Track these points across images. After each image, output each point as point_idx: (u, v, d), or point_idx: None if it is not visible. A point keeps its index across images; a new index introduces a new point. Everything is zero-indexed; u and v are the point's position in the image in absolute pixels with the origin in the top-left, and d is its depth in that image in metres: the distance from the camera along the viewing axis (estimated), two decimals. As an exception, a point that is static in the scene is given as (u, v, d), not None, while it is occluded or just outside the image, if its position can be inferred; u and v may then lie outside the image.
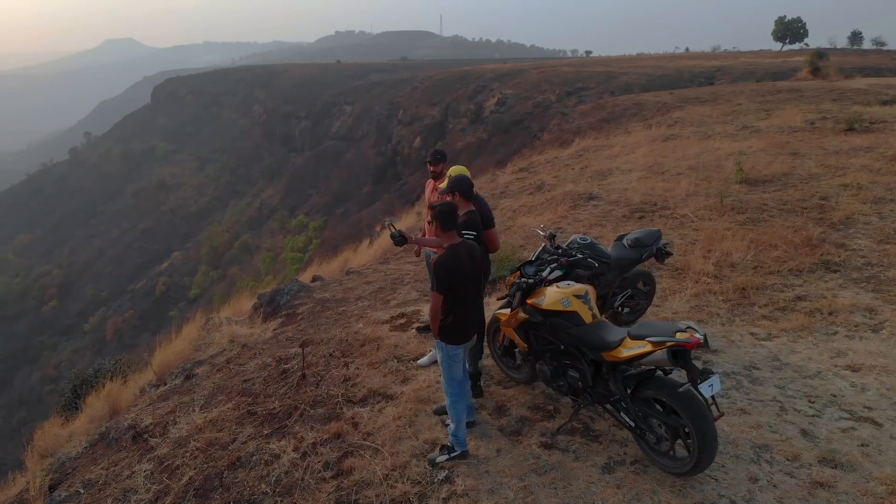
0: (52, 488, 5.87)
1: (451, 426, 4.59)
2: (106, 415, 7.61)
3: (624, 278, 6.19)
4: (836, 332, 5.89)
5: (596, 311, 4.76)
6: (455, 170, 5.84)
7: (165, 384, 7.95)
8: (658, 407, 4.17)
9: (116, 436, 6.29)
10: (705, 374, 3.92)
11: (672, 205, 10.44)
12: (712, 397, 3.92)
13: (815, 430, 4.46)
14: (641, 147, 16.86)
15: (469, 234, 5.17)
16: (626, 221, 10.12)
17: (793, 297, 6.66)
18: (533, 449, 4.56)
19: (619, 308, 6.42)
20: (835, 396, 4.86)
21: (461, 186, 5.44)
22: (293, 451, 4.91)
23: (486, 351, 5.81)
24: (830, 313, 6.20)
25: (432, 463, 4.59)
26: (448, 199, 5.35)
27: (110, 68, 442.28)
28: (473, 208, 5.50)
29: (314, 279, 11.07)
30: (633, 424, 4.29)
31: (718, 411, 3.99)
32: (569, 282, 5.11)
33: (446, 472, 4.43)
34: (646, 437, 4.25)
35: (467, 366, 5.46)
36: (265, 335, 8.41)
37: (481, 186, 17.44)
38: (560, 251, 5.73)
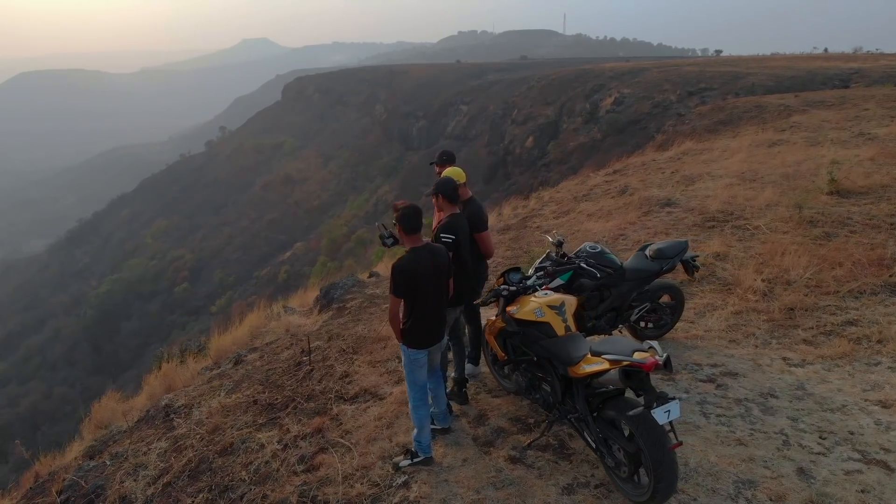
0: (91, 458, 6.31)
1: (415, 431, 4.55)
2: (161, 393, 8.09)
3: (644, 291, 5.88)
4: (878, 364, 5.32)
5: (570, 323, 4.56)
6: (449, 172, 5.77)
7: (219, 368, 8.34)
8: (620, 430, 3.94)
9: (154, 413, 6.68)
10: (662, 399, 3.67)
11: (749, 215, 9.80)
12: (671, 423, 3.66)
13: (815, 470, 4.05)
14: (741, 152, 15.94)
15: (447, 237, 5.08)
16: (695, 230, 9.61)
17: (843, 321, 6.08)
18: (499, 462, 4.44)
19: (642, 323, 6.11)
20: (852, 434, 4.39)
21: (443, 189, 5.35)
22: (277, 442, 5.06)
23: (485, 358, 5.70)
24: (879, 342, 5.61)
25: (396, 467, 4.57)
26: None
27: (246, 67, 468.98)
28: (458, 211, 5.40)
29: (370, 275, 11.28)
30: (594, 446, 4.08)
31: (676, 439, 3.71)
32: (547, 291, 4.93)
33: (406, 477, 4.41)
34: (606, 461, 4.03)
35: (454, 372, 5.39)
36: (314, 327, 8.66)
37: (571, 189, 17.13)
38: (565, 259, 5.54)
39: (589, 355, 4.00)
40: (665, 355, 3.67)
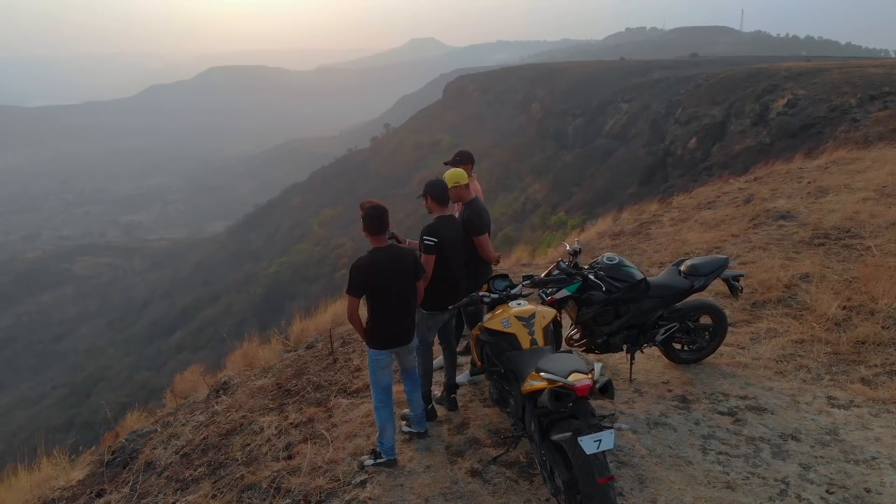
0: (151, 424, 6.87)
1: (378, 433, 4.54)
2: (239, 371, 8.62)
3: (676, 310, 5.45)
4: (938, 416, 4.57)
5: (538, 337, 4.33)
6: (449, 174, 5.63)
7: (295, 351, 8.73)
8: (565, 455, 3.68)
9: (214, 388, 7.15)
10: (594, 427, 3.39)
11: (866, 233, 8.76)
12: (603, 454, 3.39)
13: (799, 530, 3.57)
14: (892, 164, 14.25)
15: (429, 240, 4.98)
16: (800, 247, 8.74)
17: (917, 362, 5.28)
18: (459, 473, 4.35)
19: (676, 345, 5.66)
20: (868, 492, 3.81)
21: (432, 190, 5.25)
22: (275, 427, 5.26)
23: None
24: (949, 392, 4.81)
25: (361, 465, 4.60)
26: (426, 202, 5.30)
27: (413, 65, 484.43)
28: (448, 214, 5.27)
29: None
30: (539, 468, 3.85)
31: (607, 473, 3.40)
32: (520, 301, 4.70)
33: (366, 476, 4.44)
34: (548, 486, 3.78)
35: (445, 377, 5.30)
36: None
37: (703, 195, 16.19)
38: (574, 269, 5.26)
39: (534, 372, 3.79)
40: (605, 379, 3.41)
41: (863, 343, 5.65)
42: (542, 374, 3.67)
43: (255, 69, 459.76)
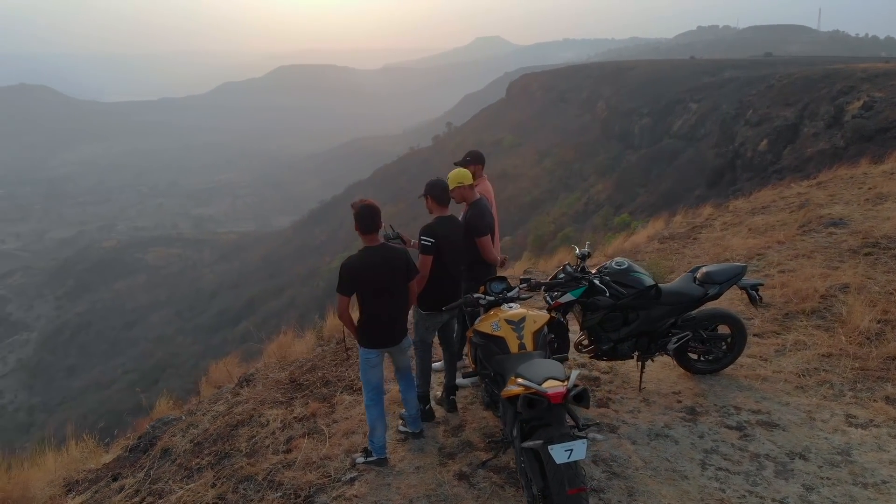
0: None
1: (368, 431, 4.57)
2: (274, 363, 8.79)
3: (689, 318, 5.29)
4: (964, 440, 4.30)
5: (527, 341, 4.26)
6: (453, 174, 5.59)
7: (328, 346, 8.85)
8: (541, 463, 3.61)
9: (240, 380, 7.33)
10: (566, 437, 3.32)
11: (921, 243, 8.32)
12: (576, 464, 3.33)
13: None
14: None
15: (426, 240, 4.98)
16: (846, 255, 8.35)
17: (949, 381, 4.97)
18: (447, 476, 4.34)
19: (692, 355, 5.50)
20: (872, 517, 3.63)
21: (432, 190, 5.23)
22: (279, 421, 5.36)
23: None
24: (980, 414, 4.52)
25: (353, 463, 4.64)
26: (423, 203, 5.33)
27: (478, 64, 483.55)
28: (448, 214, 5.22)
29: (525, 272, 11.37)
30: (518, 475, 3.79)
31: (578, 484, 3.33)
32: (512, 304, 4.64)
33: (356, 474, 4.48)
34: (526, 495, 3.73)
35: (444, 378, 5.29)
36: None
37: (762, 199, 15.68)
38: (580, 273, 5.16)
39: (513, 377, 3.75)
40: (579, 388, 3.34)
41: (893, 359, 5.37)
42: (518, 379, 3.64)
43: (323, 68, 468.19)
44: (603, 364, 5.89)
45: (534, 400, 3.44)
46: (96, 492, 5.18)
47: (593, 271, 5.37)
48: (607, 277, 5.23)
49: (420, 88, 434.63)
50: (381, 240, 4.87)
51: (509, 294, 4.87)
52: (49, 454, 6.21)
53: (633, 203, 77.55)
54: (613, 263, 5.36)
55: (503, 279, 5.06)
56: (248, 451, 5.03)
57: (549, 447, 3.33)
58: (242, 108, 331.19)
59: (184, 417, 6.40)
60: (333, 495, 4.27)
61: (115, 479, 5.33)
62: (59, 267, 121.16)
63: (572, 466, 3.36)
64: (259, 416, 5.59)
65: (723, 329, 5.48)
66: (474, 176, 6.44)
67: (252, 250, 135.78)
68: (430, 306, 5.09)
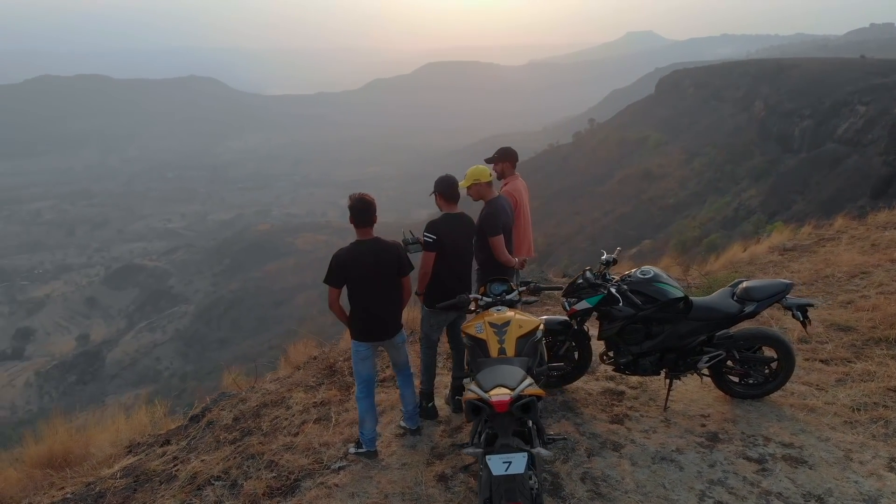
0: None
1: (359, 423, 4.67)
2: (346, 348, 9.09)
3: (726, 337, 4.93)
4: None
5: (508, 346, 4.11)
6: (470, 171, 5.46)
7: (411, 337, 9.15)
8: None
9: (305, 361, 7.65)
10: (506, 448, 3.21)
11: None
12: (519, 477, 3.25)
13: None
14: None
15: (428, 236, 4.93)
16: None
17: None
18: (428, 476, 4.37)
19: (732, 377, 5.11)
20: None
21: (440, 187, 5.15)
22: (301, 405, 5.61)
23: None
24: None
25: (347, 452, 4.78)
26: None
27: (627, 59, 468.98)
28: (456, 212, 5.13)
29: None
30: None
31: (514, 498, 3.21)
32: (500, 307, 4.48)
33: (345, 463, 4.63)
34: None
35: (453, 378, 5.27)
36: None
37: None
38: (598, 280, 4.94)
39: (470, 381, 3.70)
40: (526, 398, 3.24)
41: (970, 404, 4.73)
42: (472, 385, 3.59)
43: (468, 65, 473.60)
44: (634, 379, 5.63)
45: (479, 406, 3.38)
46: (146, 454, 5.65)
47: (617, 279, 5.15)
48: (625, 287, 5.00)
49: (565, 84, 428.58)
50: (401, 244, 4.96)
51: (508, 297, 4.77)
52: (120, 418, 6.80)
53: (789, 211, 72.27)
54: (638, 272, 5.11)
55: (505, 281, 4.95)
56: (267, 430, 5.33)
57: (487, 457, 3.27)
58: (391, 104, 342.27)
59: (244, 393, 6.80)
60: (318, 481, 4.45)
61: (163, 445, 5.80)
62: (217, 246, 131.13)
63: (511, 479, 3.27)
64: (289, 399, 5.89)
65: (768, 352, 5.08)
66: (504, 174, 6.36)
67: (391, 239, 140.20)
68: (434, 304, 5.09)
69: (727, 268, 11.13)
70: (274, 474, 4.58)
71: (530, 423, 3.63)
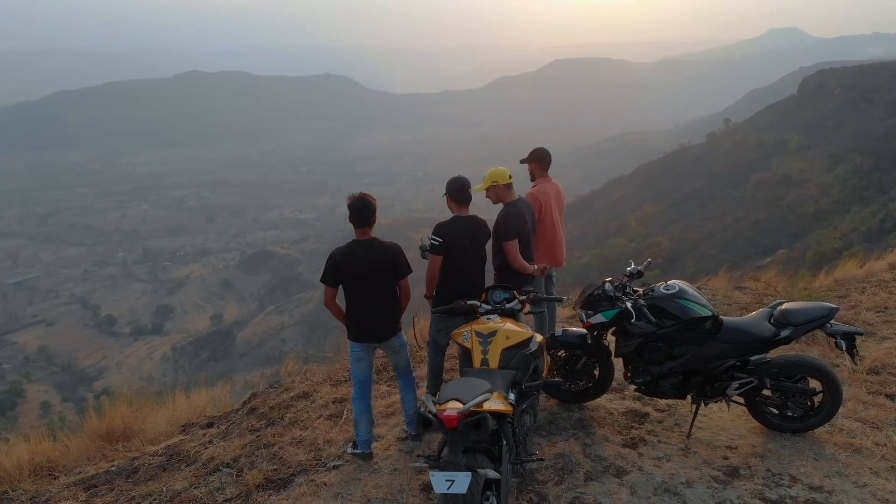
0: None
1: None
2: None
3: (762, 362, 4.54)
4: None
5: (491, 357, 3.98)
6: (488, 172, 5.28)
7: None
8: None
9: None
10: (452, 465, 3.09)
11: None
12: (461, 497, 3.18)
13: None
14: None
15: (434, 239, 4.82)
16: None
17: None
18: (413, 484, 4.36)
19: (771, 408, 4.69)
20: None
21: (449, 188, 5.01)
22: (323, 399, 5.78)
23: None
24: None
25: (345, 451, 4.84)
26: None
27: (768, 57, 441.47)
28: (467, 214, 5.09)
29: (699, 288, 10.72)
30: None
31: None
32: (490, 316, 4.29)
33: (341, 463, 4.70)
34: None
35: None
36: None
37: None
38: (617, 293, 4.67)
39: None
40: (478, 415, 3.12)
41: None
42: (430, 395, 3.52)
43: (597, 61, 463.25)
44: (664, 401, 5.30)
45: (428, 420, 3.30)
46: (191, 435, 5.98)
47: (640, 291, 4.87)
48: (642, 301, 4.70)
49: (700, 82, 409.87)
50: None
51: (508, 305, 4.62)
52: (180, 399, 7.21)
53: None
54: (662, 286, 4.79)
55: (507, 288, 4.80)
56: (288, 422, 5.53)
57: (431, 473, 3.19)
58: (516, 102, 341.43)
59: (289, 379, 7.05)
60: (311, 478, 4.55)
61: (207, 427, 6.12)
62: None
63: (455, 499, 3.18)
64: (316, 392, 6.06)
65: (813, 383, 4.63)
66: (533, 175, 6.17)
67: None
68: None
69: (833, 284, 10.28)
70: (275, 467, 4.74)
71: (505, 439, 3.54)
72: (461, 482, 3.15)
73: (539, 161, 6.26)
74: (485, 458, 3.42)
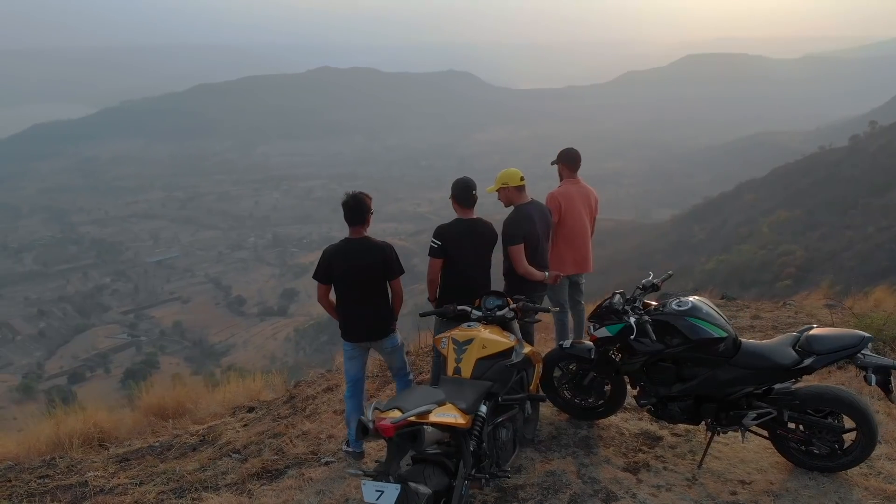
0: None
1: None
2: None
3: (786, 392, 4.16)
4: None
5: (464, 366, 3.89)
6: (500, 174, 5.08)
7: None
8: None
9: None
10: (382, 475, 3.04)
11: None
12: None
13: None
14: None
15: (433, 241, 4.76)
16: None
17: None
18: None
19: (794, 444, 4.30)
20: None
21: (453, 190, 4.86)
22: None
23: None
24: None
25: (341, 449, 4.90)
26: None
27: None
28: (470, 217, 5.07)
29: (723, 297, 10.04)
30: None
31: None
32: (472, 323, 4.12)
33: (334, 459, 4.77)
34: None
35: None
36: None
37: None
38: (625, 306, 4.41)
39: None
40: (417, 427, 3.07)
41: None
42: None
43: (732, 57, 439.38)
44: (683, 426, 4.98)
45: (367, 427, 3.25)
46: (234, 418, 6.28)
47: (653, 306, 4.59)
48: (647, 317, 4.42)
49: (845, 81, 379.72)
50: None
51: (499, 313, 4.48)
52: (237, 382, 7.57)
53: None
54: (674, 302, 4.49)
55: (501, 295, 4.67)
56: (308, 413, 5.65)
57: (363, 482, 3.17)
58: (643, 98, 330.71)
59: (334, 371, 7.27)
60: (301, 472, 4.66)
61: (248, 412, 6.41)
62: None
63: None
64: (339, 386, 6.19)
65: (848, 420, 4.20)
66: (562, 177, 5.99)
67: (626, 239, 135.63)
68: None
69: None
70: (275, 457, 4.87)
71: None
72: (389, 494, 3.12)
73: (566, 162, 6.12)
74: (438, 470, 3.38)
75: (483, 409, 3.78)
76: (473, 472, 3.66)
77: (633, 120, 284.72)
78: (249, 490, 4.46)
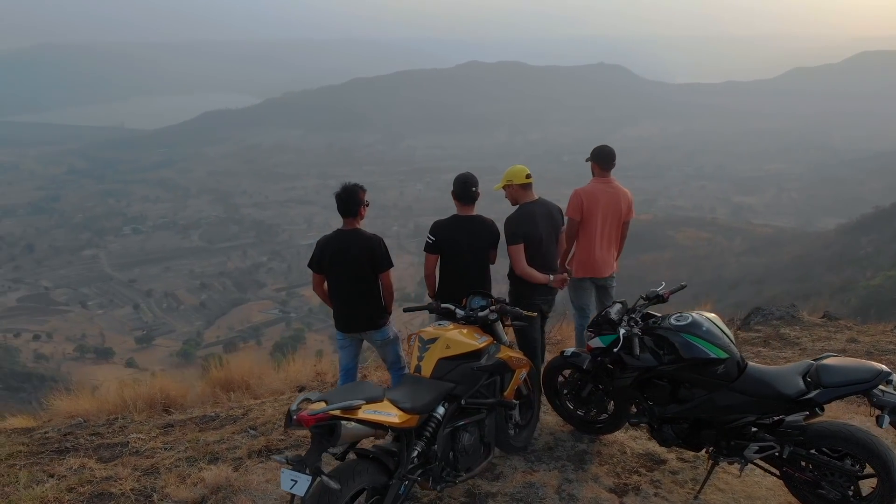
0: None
1: None
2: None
3: (795, 426, 3.70)
4: None
5: (425, 365, 3.78)
6: (508, 170, 4.80)
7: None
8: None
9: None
10: (299, 465, 3.03)
11: None
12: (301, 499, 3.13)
13: None
14: None
15: (428, 237, 4.68)
16: None
17: None
18: None
19: (810, 490, 3.79)
20: None
21: (455, 186, 4.67)
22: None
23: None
24: None
25: None
26: None
27: None
28: (468, 214, 5.03)
29: (823, 315, 9.72)
30: None
31: None
32: (443, 322, 3.92)
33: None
34: None
35: None
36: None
37: None
38: (621, 317, 4.08)
39: None
40: (338, 423, 3.02)
41: None
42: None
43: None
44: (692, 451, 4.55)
45: (290, 416, 3.20)
46: (287, 396, 6.52)
47: (655, 318, 4.23)
48: (636, 330, 4.05)
49: None
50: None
51: (481, 314, 4.29)
52: (299, 362, 7.82)
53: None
54: (673, 317, 4.08)
55: (487, 295, 4.46)
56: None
57: (282, 469, 3.16)
58: (810, 96, 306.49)
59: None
60: (296, 453, 4.66)
61: (299, 390, 6.63)
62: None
63: (296, 498, 3.17)
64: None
65: (867, 470, 3.66)
66: (592, 174, 5.68)
67: (785, 248, 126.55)
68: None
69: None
70: (281, 437, 4.96)
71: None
72: (302, 484, 3.11)
73: (598, 160, 5.83)
74: (375, 467, 3.36)
75: (440, 410, 3.70)
76: (418, 474, 3.60)
77: (797, 119, 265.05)
78: (246, 466, 4.54)
